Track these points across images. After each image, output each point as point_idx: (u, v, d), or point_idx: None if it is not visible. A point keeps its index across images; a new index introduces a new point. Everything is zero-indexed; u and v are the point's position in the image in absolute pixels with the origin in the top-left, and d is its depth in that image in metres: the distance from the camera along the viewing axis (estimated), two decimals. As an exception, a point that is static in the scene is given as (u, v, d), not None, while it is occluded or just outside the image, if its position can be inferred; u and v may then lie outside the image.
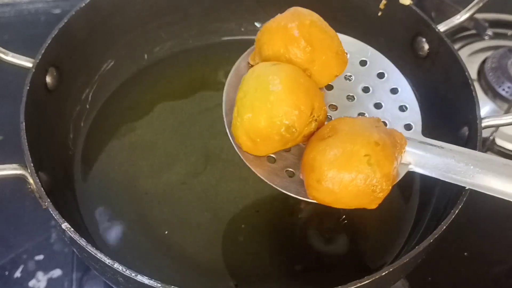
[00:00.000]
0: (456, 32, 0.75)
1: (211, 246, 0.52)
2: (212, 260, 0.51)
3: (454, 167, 0.40)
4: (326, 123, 0.42)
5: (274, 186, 0.41)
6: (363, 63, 0.49)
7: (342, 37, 0.46)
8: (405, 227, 0.54)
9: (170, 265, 0.51)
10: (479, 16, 0.74)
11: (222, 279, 0.50)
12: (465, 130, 0.50)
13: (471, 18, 0.55)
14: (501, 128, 0.65)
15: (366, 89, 0.48)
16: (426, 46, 0.57)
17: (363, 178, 0.37)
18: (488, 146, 0.65)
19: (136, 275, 0.37)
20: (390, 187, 0.38)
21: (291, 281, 0.50)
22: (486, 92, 0.69)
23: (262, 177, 0.42)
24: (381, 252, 0.52)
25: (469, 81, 0.50)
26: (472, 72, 0.65)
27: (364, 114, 0.47)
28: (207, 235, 0.53)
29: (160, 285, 0.37)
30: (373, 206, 0.39)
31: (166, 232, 0.52)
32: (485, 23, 0.74)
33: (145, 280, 0.37)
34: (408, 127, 0.45)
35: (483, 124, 0.48)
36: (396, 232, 0.53)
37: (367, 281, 0.38)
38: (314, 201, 0.40)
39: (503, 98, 0.67)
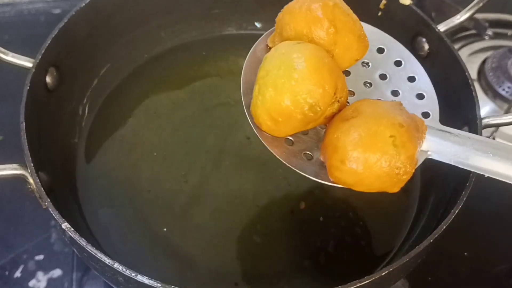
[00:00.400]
0: (456, 32, 0.75)
1: (211, 246, 0.52)
2: (212, 259, 0.51)
3: (473, 155, 0.40)
4: (347, 99, 0.42)
5: (292, 167, 0.41)
6: (380, 50, 0.49)
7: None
8: (405, 223, 0.54)
9: (170, 265, 0.51)
10: (479, 16, 0.74)
11: (222, 278, 0.50)
12: (465, 130, 0.50)
13: (471, 18, 0.55)
14: (501, 128, 0.65)
15: (383, 77, 0.48)
16: (426, 46, 0.57)
17: (388, 159, 0.37)
18: (488, 146, 0.65)
19: (136, 275, 0.37)
20: (414, 170, 0.38)
21: (292, 279, 0.50)
22: (486, 92, 0.69)
23: (280, 158, 0.41)
24: (381, 248, 0.52)
25: (469, 81, 0.50)
26: (472, 72, 0.65)
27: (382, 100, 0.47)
28: (207, 234, 0.53)
29: (160, 285, 0.37)
30: (396, 189, 0.39)
31: (166, 231, 0.52)
32: (485, 23, 0.74)
33: (145, 280, 0.37)
34: (425, 115, 0.45)
35: (483, 124, 0.48)
36: (397, 228, 0.54)
37: (367, 281, 0.38)
38: (334, 185, 0.40)
39: (503, 98, 0.67)
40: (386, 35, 0.50)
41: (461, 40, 0.75)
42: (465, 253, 0.57)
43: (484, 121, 0.48)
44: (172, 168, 0.57)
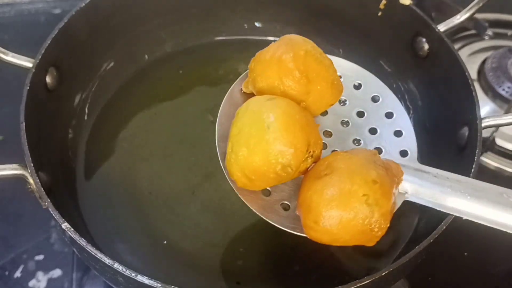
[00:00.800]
0: (456, 32, 0.75)
1: (211, 246, 0.52)
2: (213, 259, 0.51)
3: (450, 197, 0.39)
4: (322, 151, 0.41)
5: (270, 222, 0.41)
6: (357, 86, 0.49)
7: (336, 60, 0.45)
8: (406, 228, 0.54)
9: (170, 265, 0.51)
10: (479, 16, 0.73)
11: (223, 278, 0.50)
12: (465, 130, 0.50)
13: (471, 18, 0.55)
14: (501, 128, 0.65)
15: (361, 114, 0.48)
16: (426, 46, 0.57)
17: (362, 218, 0.37)
18: (488, 146, 0.65)
19: (136, 275, 0.37)
20: (388, 224, 0.38)
21: (292, 280, 0.50)
22: (486, 92, 0.69)
23: (258, 213, 0.41)
24: (381, 251, 0.52)
25: (469, 81, 0.50)
26: (472, 72, 0.65)
27: (360, 140, 0.46)
28: (207, 234, 0.53)
29: (160, 285, 0.37)
30: (371, 243, 0.39)
31: (166, 231, 0.52)
32: (485, 23, 0.74)
33: (145, 280, 0.37)
34: (404, 153, 0.45)
35: (483, 124, 0.48)
36: (397, 230, 0.53)
37: (367, 281, 0.38)
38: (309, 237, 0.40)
39: (503, 98, 0.67)
40: (363, 70, 0.50)
41: (461, 40, 0.75)
42: (465, 253, 0.57)
43: (484, 121, 0.48)
44: (172, 169, 0.57)
